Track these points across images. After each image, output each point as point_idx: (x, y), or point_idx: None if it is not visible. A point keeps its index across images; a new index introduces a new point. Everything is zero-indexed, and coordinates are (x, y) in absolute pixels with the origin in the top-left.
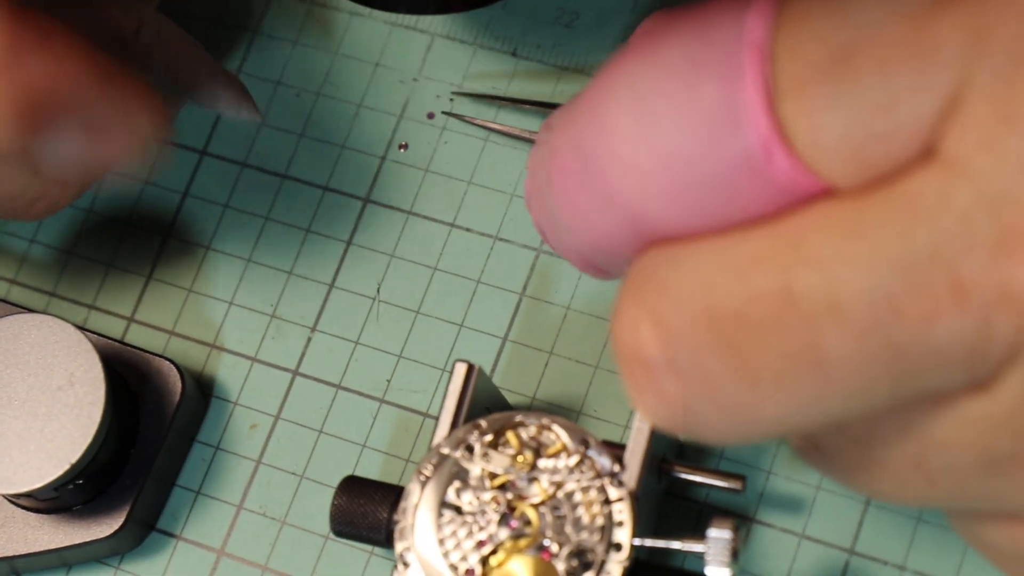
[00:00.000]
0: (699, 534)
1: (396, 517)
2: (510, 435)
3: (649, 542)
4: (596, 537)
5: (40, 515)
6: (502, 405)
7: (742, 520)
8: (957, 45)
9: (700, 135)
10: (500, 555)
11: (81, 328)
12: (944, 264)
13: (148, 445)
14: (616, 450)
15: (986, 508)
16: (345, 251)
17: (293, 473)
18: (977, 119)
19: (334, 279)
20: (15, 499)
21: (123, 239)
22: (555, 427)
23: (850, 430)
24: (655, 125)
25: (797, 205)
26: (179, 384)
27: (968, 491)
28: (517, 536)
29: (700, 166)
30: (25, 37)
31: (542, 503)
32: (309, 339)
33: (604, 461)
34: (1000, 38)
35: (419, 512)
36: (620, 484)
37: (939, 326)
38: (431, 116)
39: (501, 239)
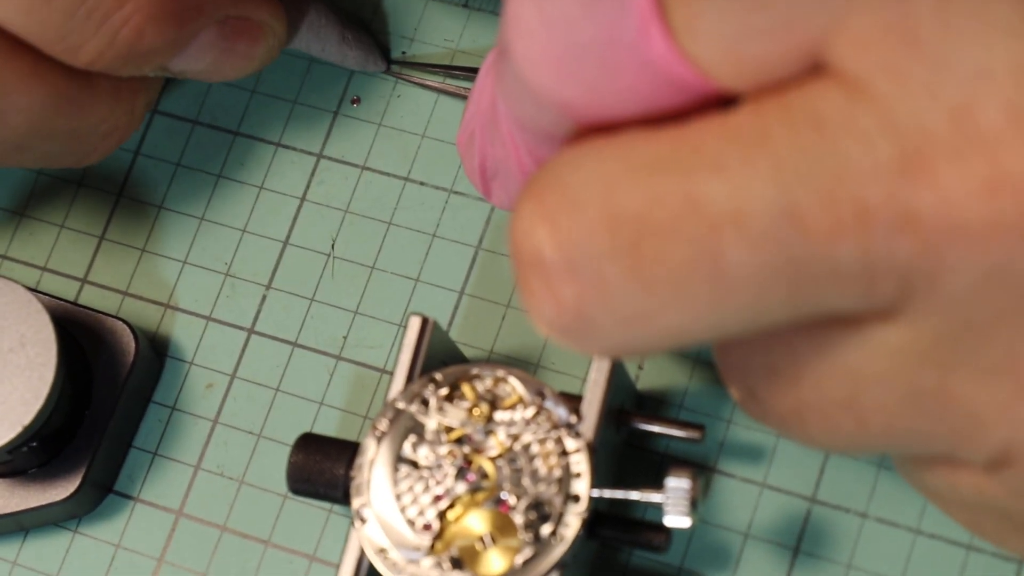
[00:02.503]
0: (658, 484)
1: (352, 473)
2: (465, 388)
3: (608, 493)
4: (554, 489)
5: None
6: (458, 359)
7: (703, 470)
8: None
9: (585, 5)
10: (457, 509)
11: (32, 290)
12: (848, 183)
13: (103, 407)
14: (573, 401)
15: (919, 452)
16: (299, 207)
17: (250, 432)
18: (874, 38)
19: (288, 236)
20: None
21: (75, 199)
22: (511, 379)
23: (781, 372)
24: None
25: (695, 109)
26: (133, 344)
27: (898, 431)
28: (474, 490)
29: (581, 34)
30: None
31: (499, 456)
32: (264, 297)
33: (561, 412)
34: None
35: (375, 468)
36: (577, 435)
37: (840, 244)
38: (388, 70)
39: (456, 192)
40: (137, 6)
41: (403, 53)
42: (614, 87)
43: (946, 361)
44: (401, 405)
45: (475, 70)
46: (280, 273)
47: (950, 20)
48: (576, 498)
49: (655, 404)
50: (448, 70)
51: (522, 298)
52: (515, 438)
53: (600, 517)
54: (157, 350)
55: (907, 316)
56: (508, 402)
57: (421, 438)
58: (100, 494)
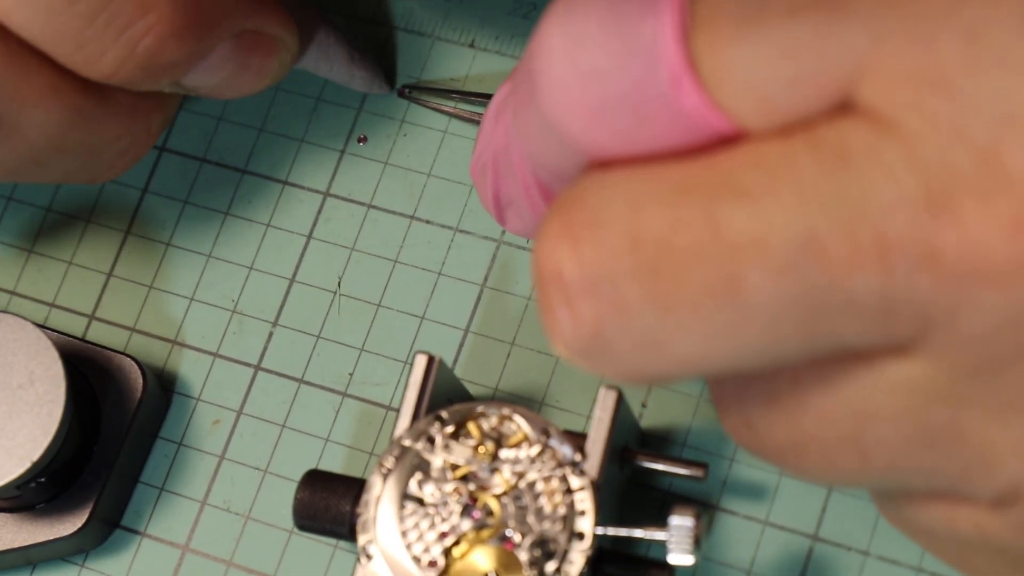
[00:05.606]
0: (662, 522)
1: (359, 510)
2: (471, 426)
3: (612, 531)
4: (558, 527)
5: (3, 514)
6: (464, 396)
7: (705, 508)
8: (869, 3)
9: (617, 57)
10: (463, 546)
11: (41, 326)
12: (871, 216)
13: (110, 442)
14: (578, 439)
15: (919, 487)
16: (306, 245)
17: (256, 468)
18: (901, 79)
19: (295, 273)
20: None
21: (83, 236)
22: (516, 417)
23: (783, 403)
24: (579, 43)
25: (722, 145)
26: (140, 381)
27: (902, 467)
28: (479, 527)
29: (614, 86)
30: None
31: (504, 493)
32: (271, 334)
33: (566, 450)
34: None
35: (381, 504)
36: (582, 473)
37: (859, 276)
38: (401, 93)
39: (461, 231)
40: (159, 16)
41: (408, 92)
42: (645, 133)
43: (960, 399)
44: (407, 443)
45: (485, 95)
46: (287, 310)
47: (977, 62)
48: (580, 535)
49: (659, 442)
50: (460, 95)
51: (541, 316)
52: (520, 476)
53: (604, 554)
54: (164, 386)
55: (923, 353)
56: (513, 440)
57: (427, 475)
58: (107, 529)
